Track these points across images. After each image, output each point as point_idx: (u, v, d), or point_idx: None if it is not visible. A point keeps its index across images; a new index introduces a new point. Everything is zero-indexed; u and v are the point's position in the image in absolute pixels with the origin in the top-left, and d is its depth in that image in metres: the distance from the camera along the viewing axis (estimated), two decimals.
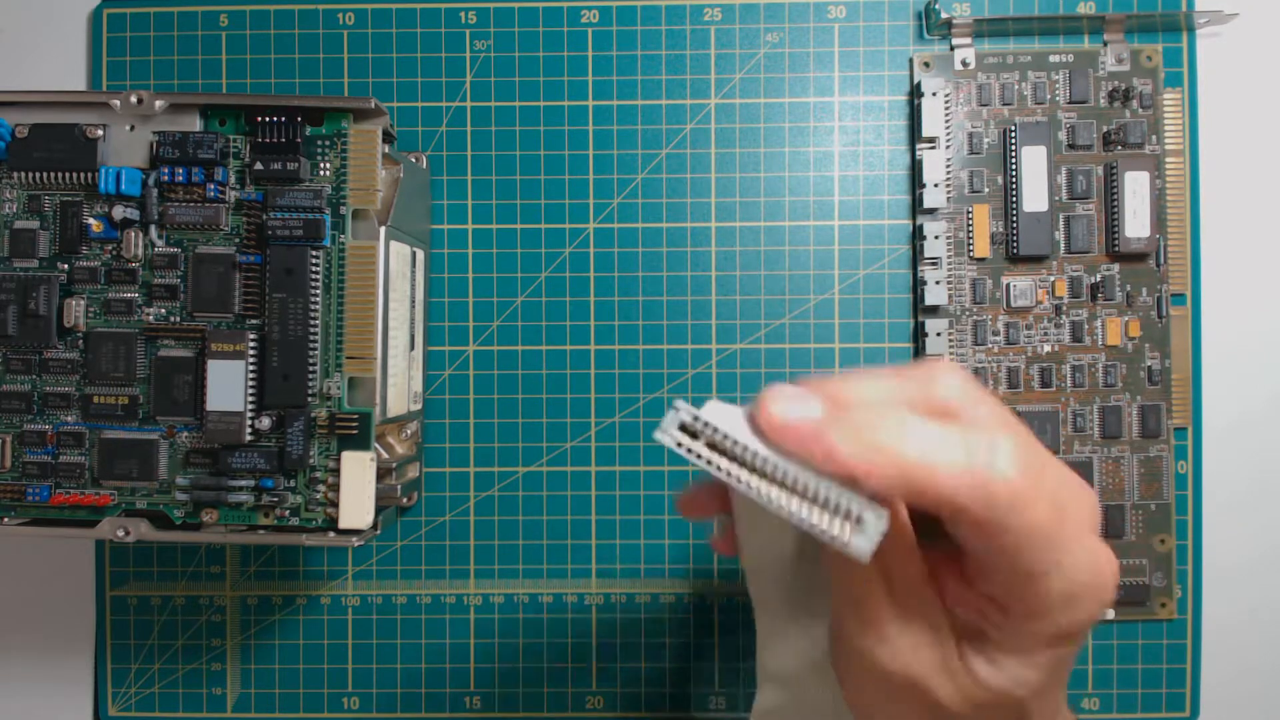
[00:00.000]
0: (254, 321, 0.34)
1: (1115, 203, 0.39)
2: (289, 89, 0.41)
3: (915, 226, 0.41)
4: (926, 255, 0.40)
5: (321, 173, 0.34)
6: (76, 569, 0.42)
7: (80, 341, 0.34)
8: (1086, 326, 0.40)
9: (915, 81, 0.40)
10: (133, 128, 0.34)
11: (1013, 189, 0.40)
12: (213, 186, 0.33)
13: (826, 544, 0.22)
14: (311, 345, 0.33)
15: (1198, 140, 0.41)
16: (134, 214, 0.34)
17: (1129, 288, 0.40)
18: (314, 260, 0.33)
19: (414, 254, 0.37)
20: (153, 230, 0.34)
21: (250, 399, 0.33)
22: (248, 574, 0.42)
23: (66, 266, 0.34)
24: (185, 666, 0.41)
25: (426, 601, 0.41)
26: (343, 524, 0.33)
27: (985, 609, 0.23)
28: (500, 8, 0.42)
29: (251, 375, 0.33)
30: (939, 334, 0.40)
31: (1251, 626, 0.41)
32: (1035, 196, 0.39)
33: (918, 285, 0.41)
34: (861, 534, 0.21)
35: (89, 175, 0.33)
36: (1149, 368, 0.40)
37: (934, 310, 0.40)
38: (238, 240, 0.34)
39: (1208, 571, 0.41)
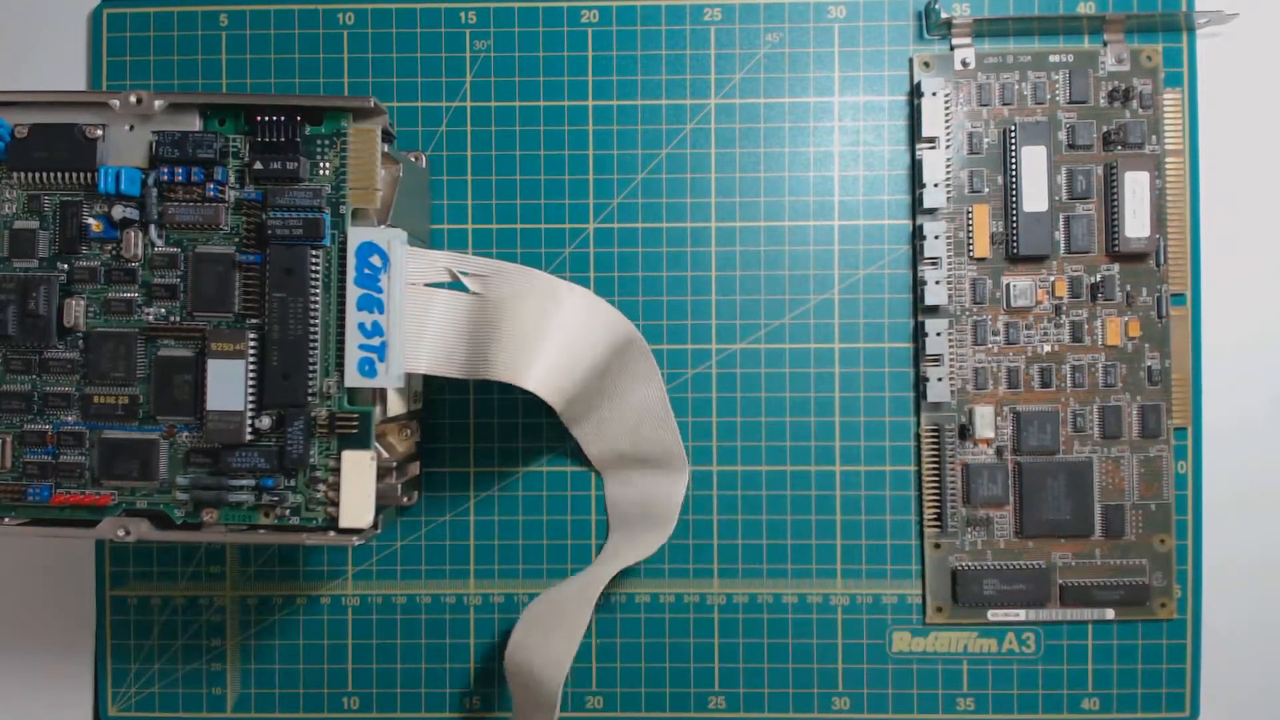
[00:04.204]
0: (254, 321, 0.34)
1: (1115, 203, 0.39)
2: (289, 89, 0.41)
3: (915, 226, 0.41)
4: (926, 255, 0.40)
5: (321, 172, 0.34)
6: (76, 569, 0.42)
7: (80, 341, 0.34)
8: (1086, 326, 0.40)
9: (915, 81, 0.41)
10: (132, 128, 0.34)
11: (1013, 189, 0.40)
12: (212, 186, 0.33)
13: None
14: (311, 344, 0.33)
15: (1198, 140, 0.41)
16: (134, 214, 0.34)
17: (1129, 288, 0.40)
18: (314, 260, 0.33)
19: None
20: (152, 230, 0.34)
21: (250, 398, 0.33)
22: (248, 574, 0.42)
23: (66, 266, 0.34)
24: (185, 666, 0.42)
25: (426, 601, 0.41)
26: (343, 523, 0.33)
27: None
28: (500, 8, 0.42)
29: (251, 375, 0.33)
30: (939, 334, 0.40)
31: (1252, 626, 0.41)
32: (1035, 196, 0.40)
33: (918, 285, 0.41)
34: None
35: (88, 175, 0.33)
36: (1149, 368, 0.40)
37: (934, 310, 0.40)
38: (237, 240, 0.34)
39: (1208, 571, 0.41)
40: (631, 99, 0.41)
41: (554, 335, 0.36)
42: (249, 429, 0.33)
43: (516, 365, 0.35)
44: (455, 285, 0.35)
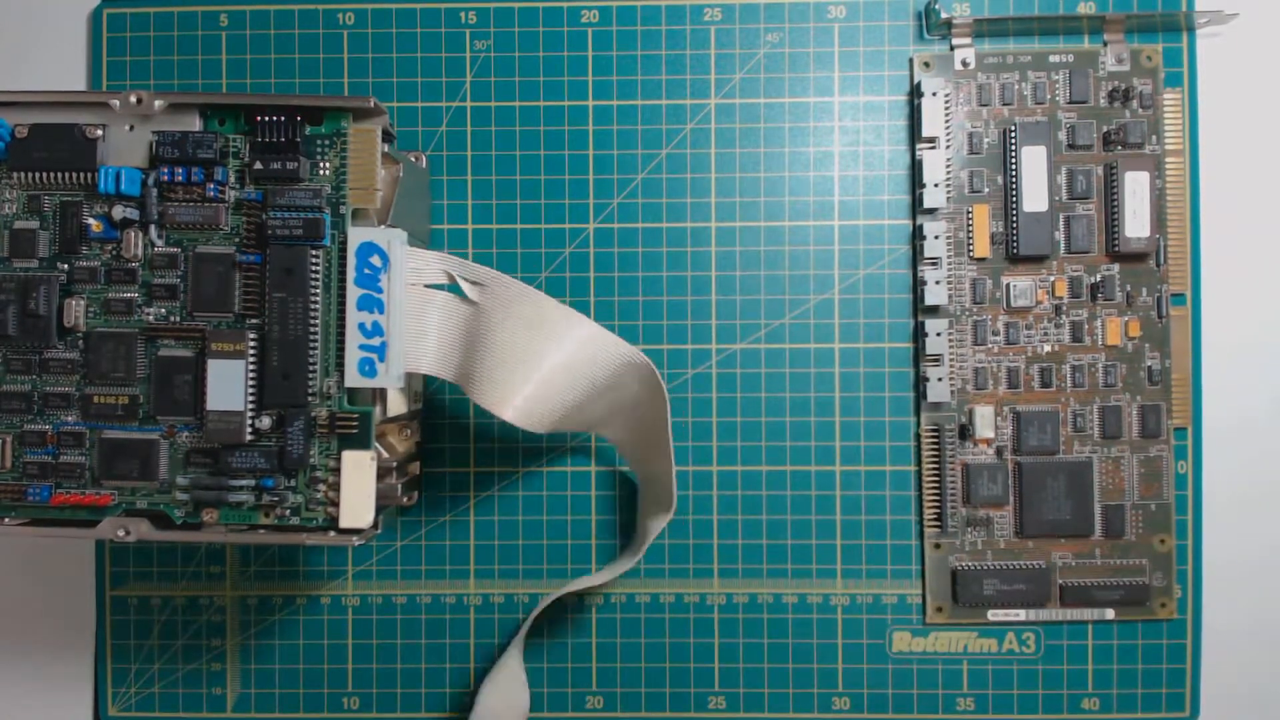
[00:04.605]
0: (254, 321, 0.34)
1: (1115, 203, 0.39)
2: (289, 89, 0.41)
3: (915, 226, 0.41)
4: (926, 255, 0.40)
5: (321, 172, 0.34)
6: (76, 569, 0.42)
7: (80, 341, 0.34)
8: (1086, 326, 0.40)
9: (915, 81, 0.41)
10: (132, 128, 0.34)
11: (1013, 189, 0.40)
12: (212, 186, 0.33)
13: None
14: (311, 344, 0.33)
15: (1198, 140, 0.41)
16: (134, 214, 0.34)
17: (1129, 288, 0.40)
18: (314, 260, 0.33)
19: None
20: (152, 230, 0.34)
21: (250, 398, 0.33)
22: (248, 574, 0.42)
23: (66, 266, 0.34)
24: (185, 666, 0.42)
25: (426, 601, 0.41)
26: (343, 523, 0.33)
27: None
28: (500, 8, 0.42)
29: (251, 375, 0.33)
30: (939, 334, 0.40)
31: (1252, 626, 0.41)
32: (1035, 196, 0.40)
33: (918, 285, 0.41)
34: None
35: (89, 175, 0.33)
36: (1149, 368, 0.40)
37: (934, 310, 0.40)
38: (237, 240, 0.34)
39: (1208, 571, 0.41)
40: (631, 99, 0.41)
41: (542, 365, 0.35)
42: (249, 429, 0.33)
43: (499, 396, 0.34)
44: (454, 288, 0.35)
